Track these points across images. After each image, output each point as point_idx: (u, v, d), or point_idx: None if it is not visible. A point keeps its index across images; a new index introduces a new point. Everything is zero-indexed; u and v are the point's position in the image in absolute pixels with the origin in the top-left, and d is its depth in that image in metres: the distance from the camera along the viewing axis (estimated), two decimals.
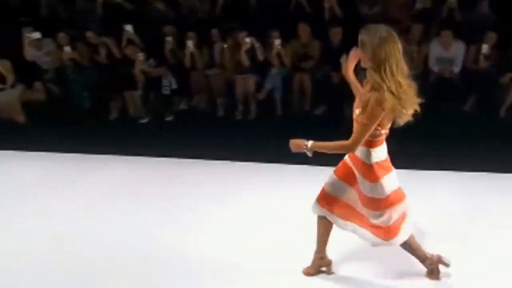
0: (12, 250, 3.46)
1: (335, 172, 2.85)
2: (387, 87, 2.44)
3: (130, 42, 6.35)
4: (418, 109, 2.56)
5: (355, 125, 2.59)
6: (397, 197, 2.69)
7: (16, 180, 4.68)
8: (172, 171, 4.77)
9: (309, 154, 2.65)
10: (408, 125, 2.56)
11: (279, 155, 4.32)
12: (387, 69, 2.45)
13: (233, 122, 6.11)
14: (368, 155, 2.62)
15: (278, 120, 6.10)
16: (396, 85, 2.46)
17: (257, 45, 6.06)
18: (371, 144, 2.60)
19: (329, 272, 3.08)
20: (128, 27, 6.35)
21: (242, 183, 4.38)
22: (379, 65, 2.46)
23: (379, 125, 2.54)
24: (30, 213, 3.96)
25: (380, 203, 2.67)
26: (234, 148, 5.10)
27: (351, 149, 2.57)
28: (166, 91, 6.21)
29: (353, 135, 2.54)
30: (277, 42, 5.97)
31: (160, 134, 5.90)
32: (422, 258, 2.93)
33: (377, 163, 2.63)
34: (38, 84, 6.49)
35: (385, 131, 2.61)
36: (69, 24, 6.90)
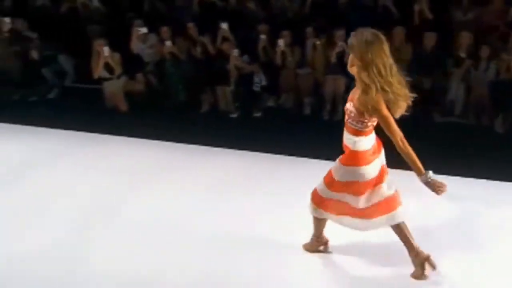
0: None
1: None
2: (376, 86, 2.67)
3: (224, 39, 6.70)
4: (410, 103, 2.78)
5: (346, 116, 2.90)
6: (377, 182, 2.95)
7: (127, 164, 5.01)
8: (260, 166, 4.95)
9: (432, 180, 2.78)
10: None
11: None
12: (375, 70, 2.66)
13: (320, 122, 6.26)
14: (355, 143, 2.88)
15: None
16: (386, 83, 2.67)
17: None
18: (357, 133, 2.87)
19: (325, 251, 3.38)
20: (224, 25, 6.69)
21: None
22: (367, 66, 2.68)
23: (366, 117, 2.79)
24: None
25: (361, 187, 2.94)
26: (320, 146, 5.21)
27: (400, 142, 2.75)
28: (256, 88, 6.48)
29: (390, 133, 2.76)
30: None
31: (248, 129, 6.15)
32: (411, 248, 3.05)
33: (363, 151, 2.89)
34: (139, 76, 6.99)
35: (371, 123, 2.85)
36: (169, 19, 7.37)
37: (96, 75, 6.82)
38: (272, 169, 4.85)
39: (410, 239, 3.04)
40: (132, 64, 6.99)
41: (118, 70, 6.82)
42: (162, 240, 3.61)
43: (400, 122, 2.81)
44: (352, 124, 2.87)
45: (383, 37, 2.70)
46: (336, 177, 3.00)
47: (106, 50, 6.60)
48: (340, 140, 3.03)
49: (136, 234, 3.69)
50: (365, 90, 2.70)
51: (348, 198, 3.01)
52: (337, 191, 3.03)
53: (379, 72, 2.67)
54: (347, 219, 3.11)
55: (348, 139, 2.93)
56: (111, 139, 5.78)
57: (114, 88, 6.82)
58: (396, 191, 3.01)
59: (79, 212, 4.03)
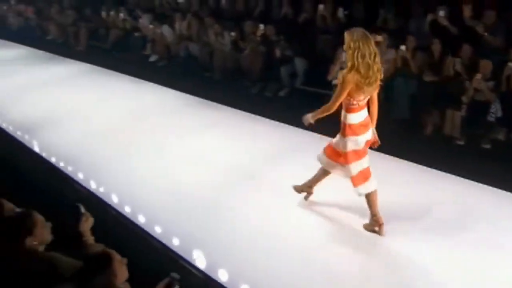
0: None
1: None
2: (354, 64, 3.68)
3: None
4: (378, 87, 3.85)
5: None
6: (355, 156, 3.94)
7: None
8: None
9: (312, 121, 4.01)
10: None
11: None
12: (359, 55, 3.65)
13: None
14: (345, 117, 3.90)
15: None
16: (365, 66, 3.67)
17: None
18: (347, 110, 3.88)
19: (306, 198, 4.65)
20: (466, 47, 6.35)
21: None
22: (353, 52, 3.69)
23: (350, 96, 3.79)
24: None
25: (345, 156, 3.98)
26: None
27: (329, 108, 3.86)
28: (491, 118, 6.04)
29: (332, 100, 3.83)
30: None
31: (475, 159, 5.78)
32: (373, 213, 4.09)
33: (349, 124, 3.87)
34: None
35: (356, 102, 3.81)
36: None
37: (330, 77, 7.08)
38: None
39: (374, 207, 4.07)
40: None
41: None
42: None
43: None
44: (344, 102, 3.86)
45: (368, 34, 3.76)
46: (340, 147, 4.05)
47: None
48: None
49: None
50: (344, 68, 3.80)
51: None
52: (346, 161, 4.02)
53: (363, 56, 3.66)
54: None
55: (342, 115, 3.94)
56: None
57: None
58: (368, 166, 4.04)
59: None
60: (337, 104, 3.80)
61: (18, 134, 7.10)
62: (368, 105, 3.99)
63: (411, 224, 4.34)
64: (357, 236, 4.18)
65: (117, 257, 2.54)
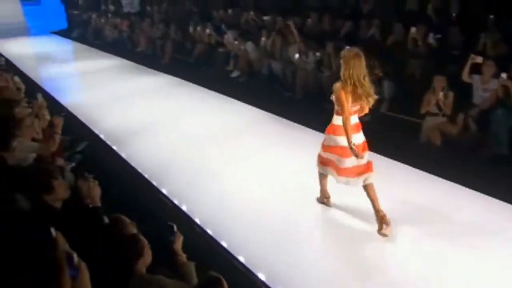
0: None
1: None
2: (350, 82, 4.17)
3: None
4: (374, 101, 4.32)
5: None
6: (343, 153, 4.37)
7: None
8: None
9: (356, 151, 4.25)
10: None
11: None
12: (353, 71, 4.15)
13: None
14: (334, 119, 4.41)
15: None
16: (358, 81, 4.15)
17: None
18: (337, 113, 4.36)
19: (328, 204, 4.94)
20: None
21: None
22: (348, 68, 4.17)
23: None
24: None
25: (343, 151, 4.38)
26: None
27: (346, 122, 4.20)
28: None
29: (341, 112, 4.24)
30: None
31: None
32: (375, 205, 4.44)
33: (338, 125, 4.33)
34: (459, 117, 6.46)
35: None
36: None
37: (423, 111, 6.55)
38: None
39: (375, 198, 4.42)
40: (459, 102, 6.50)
41: (447, 110, 6.43)
42: None
43: None
44: (335, 108, 4.36)
45: (362, 54, 4.20)
46: (324, 142, 4.62)
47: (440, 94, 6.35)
48: None
49: None
50: (340, 80, 4.24)
51: (334, 157, 4.49)
52: (325, 152, 4.60)
53: (356, 73, 4.14)
54: (335, 175, 4.55)
55: (333, 118, 4.43)
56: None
57: (432, 124, 6.46)
58: (369, 161, 4.45)
59: None
60: (347, 112, 4.21)
61: (108, 143, 7.24)
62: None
63: None
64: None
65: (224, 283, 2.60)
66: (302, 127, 7.47)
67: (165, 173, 6.07)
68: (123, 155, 6.75)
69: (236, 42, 10.54)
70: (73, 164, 5.41)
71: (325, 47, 8.63)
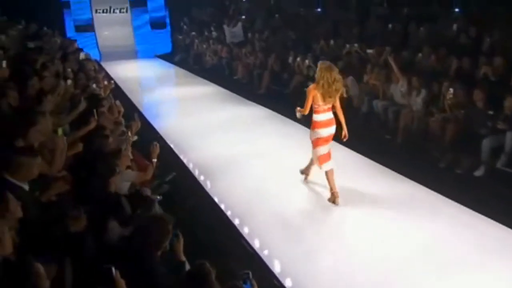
0: None
1: None
2: (320, 82, 5.72)
3: None
4: (341, 93, 5.86)
5: None
6: (317, 143, 5.89)
7: None
8: None
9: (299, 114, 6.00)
10: None
11: None
12: (324, 75, 5.71)
13: None
14: (313, 116, 5.86)
15: None
16: (327, 83, 5.68)
17: None
18: (314, 111, 5.84)
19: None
20: None
21: None
22: (321, 74, 5.74)
23: (314, 102, 5.77)
24: None
25: (312, 143, 5.98)
26: None
27: (304, 111, 5.87)
28: None
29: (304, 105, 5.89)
30: None
31: None
32: (331, 189, 5.90)
33: (315, 121, 5.84)
34: None
35: (317, 106, 5.78)
36: None
37: None
38: None
39: (333, 182, 5.88)
40: None
41: None
42: None
43: None
44: (312, 106, 5.82)
45: (333, 66, 5.88)
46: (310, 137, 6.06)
47: None
48: None
49: None
50: (313, 84, 5.95)
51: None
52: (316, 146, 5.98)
53: (326, 78, 5.69)
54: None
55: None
56: None
57: None
58: (329, 152, 5.94)
59: None
60: (307, 106, 5.83)
61: (195, 174, 7.20)
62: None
63: None
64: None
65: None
66: (401, 176, 6.68)
67: (248, 212, 5.89)
68: (208, 188, 6.65)
69: None
70: (160, 198, 5.40)
71: (435, 85, 7.78)
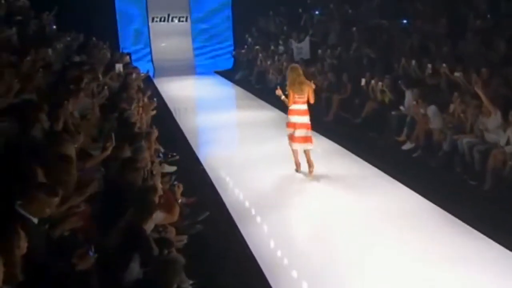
0: None
1: None
2: (291, 81, 8.44)
3: None
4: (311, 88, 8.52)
5: None
6: (289, 125, 8.57)
7: None
8: None
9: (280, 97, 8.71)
10: None
11: None
12: (292, 75, 8.50)
13: None
14: (291, 106, 8.53)
15: None
16: (296, 81, 8.41)
17: None
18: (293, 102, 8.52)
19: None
20: None
21: None
22: (290, 75, 8.56)
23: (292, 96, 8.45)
24: None
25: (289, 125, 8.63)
26: None
27: (288, 103, 8.53)
28: None
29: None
30: None
31: None
32: (296, 164, 8.71)
33: (289, 109, 8.50)
34: None
35: (293, 99, 8.40)
36: None
37: None
38: None
39: (297, 157, 8.63)
40: None
41: None
42: None
43: None
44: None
45: (297, 67, 8.91)
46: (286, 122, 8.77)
47: None
48: None
49: None
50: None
51: (290, 131, 8.56)
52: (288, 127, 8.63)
53: (292, 78, 8.46)
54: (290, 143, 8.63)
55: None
56: None
57: None
58: (310, 136, 8.53)
59: None
60: (292, 101, 8.38)
61: (232, 216, 7.26)
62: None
63: None
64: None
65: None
66: (486, 238, 6.19)
67: (282, 265, 5.96)
68: (244, 233, 6.67)
69: (415, 103, 9.64)
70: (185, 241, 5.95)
71: None
